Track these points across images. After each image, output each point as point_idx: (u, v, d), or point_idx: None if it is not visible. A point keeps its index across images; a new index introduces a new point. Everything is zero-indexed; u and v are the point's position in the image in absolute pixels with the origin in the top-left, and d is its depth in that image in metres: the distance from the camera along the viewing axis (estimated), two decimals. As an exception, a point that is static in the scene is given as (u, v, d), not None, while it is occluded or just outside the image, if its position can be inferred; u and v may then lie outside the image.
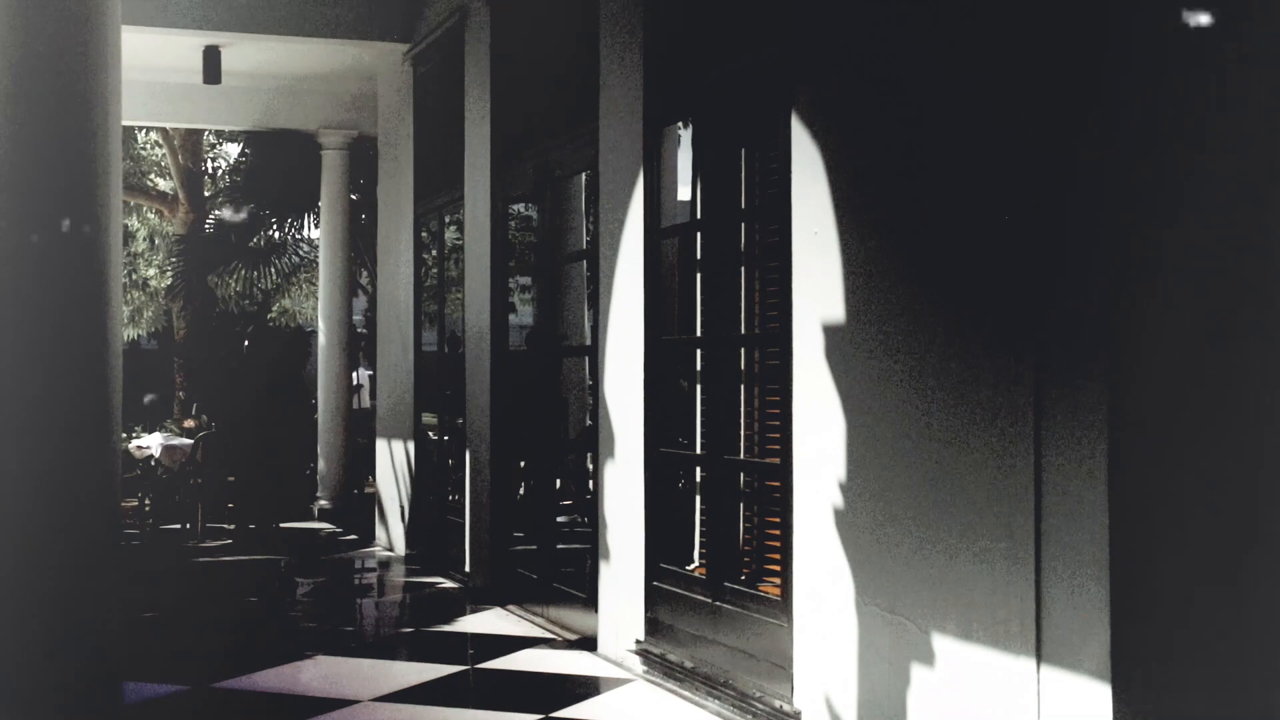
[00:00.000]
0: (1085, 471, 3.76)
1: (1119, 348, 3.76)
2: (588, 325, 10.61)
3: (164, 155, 20.98)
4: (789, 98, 5.29)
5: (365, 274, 17.13)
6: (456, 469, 9.90)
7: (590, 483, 8.04)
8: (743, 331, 6.70)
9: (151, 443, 12.61)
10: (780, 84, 5.38)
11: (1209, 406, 3.87)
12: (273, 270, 17.77)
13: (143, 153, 22.79)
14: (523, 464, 8.85)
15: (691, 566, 6.67)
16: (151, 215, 22.77)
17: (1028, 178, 4.03)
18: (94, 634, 5.32)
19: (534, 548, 8.25)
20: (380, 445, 11.80)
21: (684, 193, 7.62)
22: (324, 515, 13.67)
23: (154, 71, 12.60)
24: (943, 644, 4.33)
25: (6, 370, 5.24)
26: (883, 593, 4.65)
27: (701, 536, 6.92)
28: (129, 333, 23.41)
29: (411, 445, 10.87)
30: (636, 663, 6.45)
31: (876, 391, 4.70)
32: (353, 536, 12.28)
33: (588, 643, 7.13)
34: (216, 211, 18.48)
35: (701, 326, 6.62)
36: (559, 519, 8.64)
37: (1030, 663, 3.94)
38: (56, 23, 5.21)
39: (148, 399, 16.98)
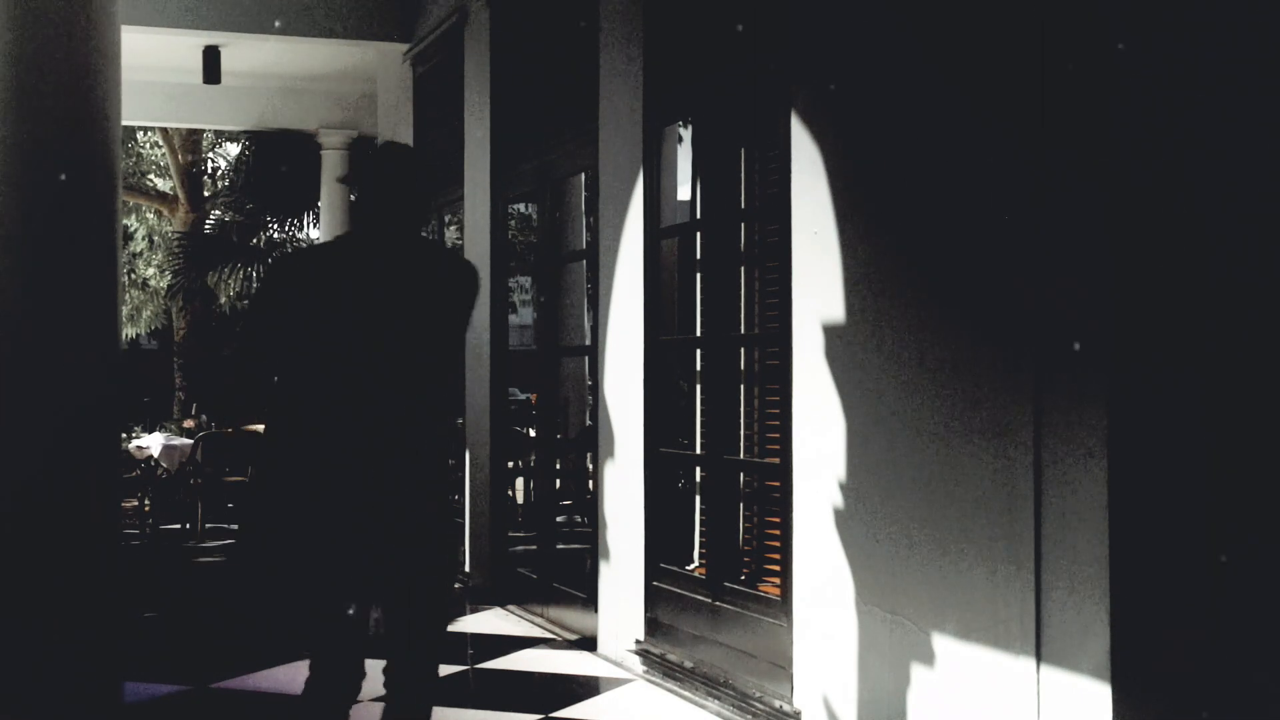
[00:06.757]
0: (1085, 470, 3.76)
1: (1120, 343, 3.76)
2: (588, 325, 10.61)
3: (164, 155, 20.99)
4: (789, 98, 5.28)
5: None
6: (456, 469, 9.89)
7: (590, 483, 8.03)
8: (743, 331, 6.70)
9: (151, 443, 12.60)
10: (780, 84, 5.38)
11: (1209, 404, 3.87)
12: (272, 270, 17.74)
13: (143, 152, 22.80)
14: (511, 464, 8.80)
15: (691, 566, 6.67)
16: (151, 215, 22.77)
17: (1028, 177, 4.02)
18: (94, 634, 5.32)
19: (534, 548, 8.26)
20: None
21: (684, 193, 7.62)
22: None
23: (154, 71, 12.59)
24: (943, 644, 4.33)
25: (6, 369, 5.24)
26: (883, 593, 4.65)
27: (701, 536, 6.93)
28: (128, 331, 23.42)
29: (411, 445, 10.83)
30: (636, 663, 6.45)
31: (876, 391, 4.70)
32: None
33: (588, 643, 7.13)
34: (216, 211, 18.49)
35: (701, 326, 6.62)
36: (559, 519, 8.63)
37: (1030, 663, 3.94)
38: (56, 23, 5.21)
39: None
